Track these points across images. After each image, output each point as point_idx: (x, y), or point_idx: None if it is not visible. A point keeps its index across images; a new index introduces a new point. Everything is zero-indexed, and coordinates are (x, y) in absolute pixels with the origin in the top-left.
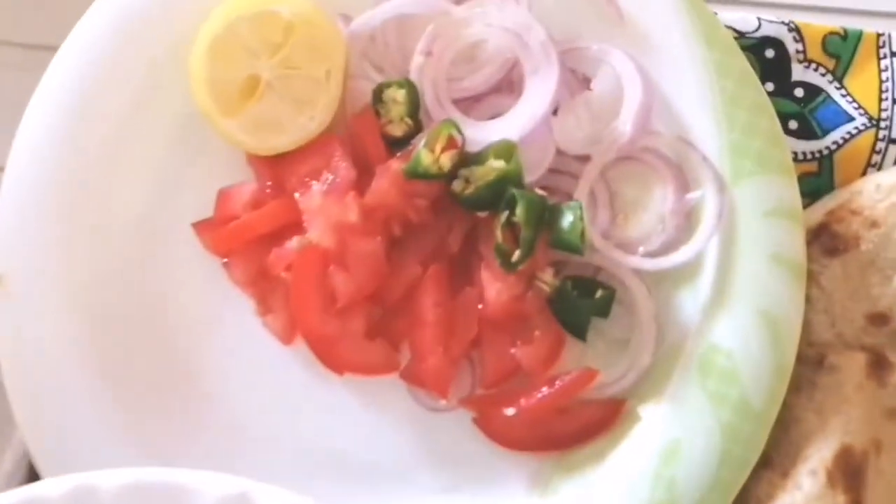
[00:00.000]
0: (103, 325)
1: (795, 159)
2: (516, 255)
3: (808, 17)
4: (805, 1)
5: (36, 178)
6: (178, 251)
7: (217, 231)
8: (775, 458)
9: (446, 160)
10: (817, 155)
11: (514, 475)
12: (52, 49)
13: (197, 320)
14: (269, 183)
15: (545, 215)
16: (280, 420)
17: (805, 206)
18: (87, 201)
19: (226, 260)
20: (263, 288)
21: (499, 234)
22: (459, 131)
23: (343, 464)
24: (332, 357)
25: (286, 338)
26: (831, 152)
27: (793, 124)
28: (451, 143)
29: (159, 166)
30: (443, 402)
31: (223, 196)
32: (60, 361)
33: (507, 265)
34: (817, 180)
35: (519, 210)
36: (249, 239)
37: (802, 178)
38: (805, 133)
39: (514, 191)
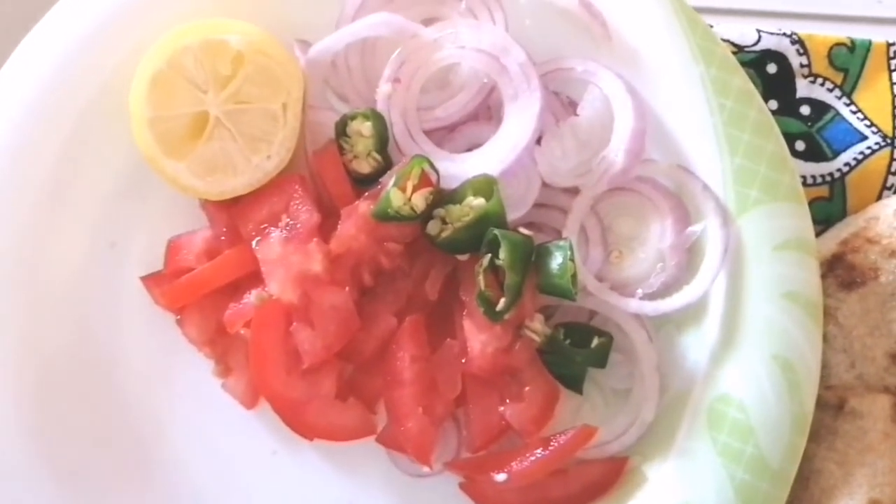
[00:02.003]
0: (45, 388)
1: (805, 184)
2: (501, 302)
3: (812, 27)
4: (809, 9)
5: None
6: (126, 307)
7: (168, 285)
8: None
9: (419, 200)
10: (828, 178)
11: None
12: None
13: (149, 383)
14: (225, 230)
15: (532, 257)
16: (245, 491)
17: (817, 234)
18: (22, 256)
19: (179, 316)
20: (222, 346)
21: (481, 281)
22: (433, 167)
23: None
24: (300, 422)
25: (249, 402)
26: (843, 175)
27: (800, 145)
28: (424, 181)
29: (104, 215)
30: (426, 469)
31: (173, 246)
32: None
33: (492, 314)
34: (829, 206)
35: (502, 253)
36: (204, 293)
37: (813, 204)
38: (814, 155)
39: (496, 231)
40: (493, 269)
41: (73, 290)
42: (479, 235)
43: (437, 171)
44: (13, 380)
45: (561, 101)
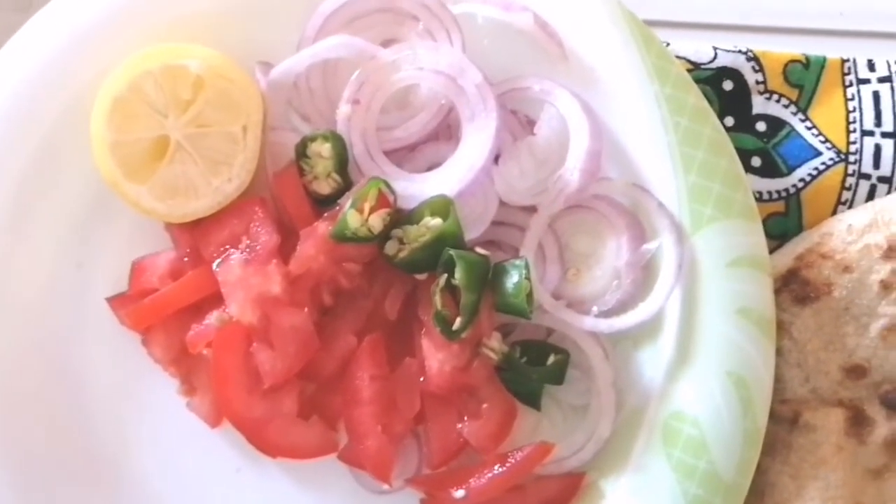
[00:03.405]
0: (11, 407)
1: (760, 199)
2: (458, 322)
3: (774, 40)
4: (770, 22)
5: None
6: (93, 328)
7: (133, 306)
8: None
9: (376, 221)
10: (784, 194)
11: None
12: None
13: (115, 402)
14: (188, 251)
15: (488, 276)
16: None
17: (773, 249)
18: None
19: (144, 336)
20: (186, 366)
21: (437, 300)
22: (390, 188)
23: None
24: (262, 440)
25: (213, 420)
26: (798, 190)
27: (756, 161)
28: (381, 202)
29: (69, 237)
30: (385, 486)
31: (138, 268)
32: None
33: (449, 333)
34: (785, 221)
35: (458, 273)
36: (168, 313)
37: (769, 219)
38: (770, 170)
39: (452, 252)
40: (450, 288)
41: (39, 310)
42: (436, 255)
43: (394, 192)
44: None
45: (519, 120)
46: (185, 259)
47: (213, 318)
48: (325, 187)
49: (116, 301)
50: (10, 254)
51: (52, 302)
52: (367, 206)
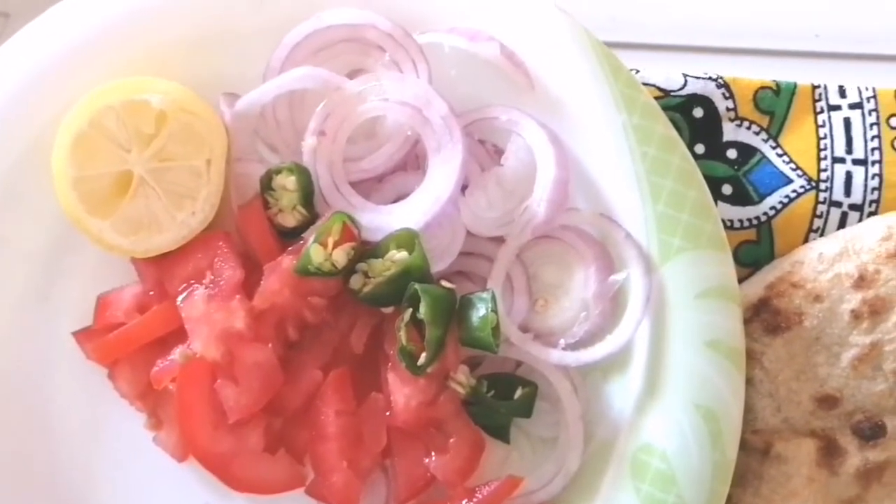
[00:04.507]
0: None
1: (731, 227)
2: (423, 357)
3: (750, 62)
4: (747, 45)
5: None
6: (59, 362)
7: (99, 340)
8: None
9: (340, 255)
10: (755, 222)
11: None
12: None
13: (82, 436)
14: (154, 285)
15: (453, 310)
16: None
17: (744, 278)
18: None
19: (110, 370)
20: (152, 400)
21: (402, 335)
22: (354, 222)
23: None
24: (229, 475)
25: (180, 455)
26: (770, 218)
27: (727, 189)
28: (345, 236)
29: (35, 271)
30: None
31: (103, 303)
32: None
33: (414, 368)
34: (756, 249)
35: (423, 307)
36: (134, 348)
37: (740, 247)
38: (741, 198)
39: (417, 286)
40: (415, 322)
41: (5, 344)
42: (401, 289)
43: (358, 226)
44: None
45: (486, 150)
46: (151, 293)
47: (177, 353)
48: (290, 220)
49: (82, 335)
50: None
51: (19, 336)
52: (330, 241)
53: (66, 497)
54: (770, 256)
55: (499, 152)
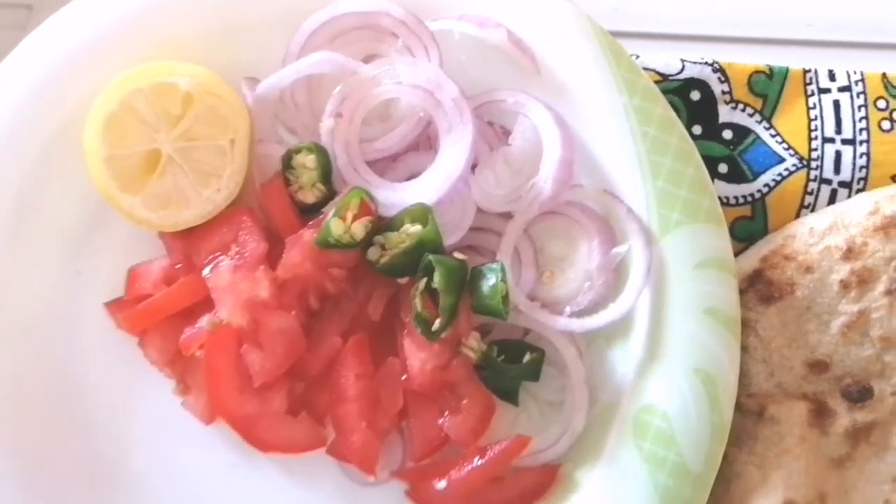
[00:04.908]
0: (14, 406)
1: (727, 204)
2: (437, 323)
3: (732, 50)
4: (729, 33)
5: None
6: (92, 331)
7: (129, 310)
8: None
9: (359, 228)
10: (749, 199)
11: None
12: None
13: (114, 402)
14: (181, 258)
15: (466, 279)
16: (202, 499)
17: (739, 252)
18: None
19: (140, 339)
20: (181, 367)
21: (417, 303)
22: (371, 197)
23: None
24: (254, 437)
25: (207, 418)
26: (763, 195)
27: (723, 168)
28: (362, 210)
29: (68, 246)
30: (371, 478)
31: (133, 275)
32: None
33: (429, 334)
34: (751, 224)
35: (437, 277)
36: (162, 317)
37: (735, 223)
38: (736, 176)
39: (431, 257)
40: (430, 291)
41: (42, 317)
42: (416, 260)
43: (375, 201)
44: None
45: (495, 131)
46: (178, 266)
47: (204, 321)
48: (309, 196)
49: (114, 306)
50: (13, 264)
51: (52, 309)
52: (349, 215)
53: (99, 460)
54: (764, 231)
55: (506, 133)
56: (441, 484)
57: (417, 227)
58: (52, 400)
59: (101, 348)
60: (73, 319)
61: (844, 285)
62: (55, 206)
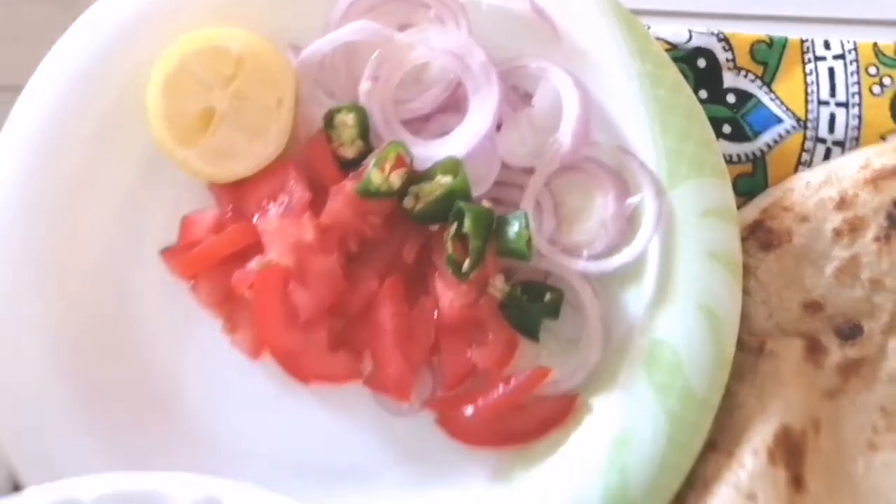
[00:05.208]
0: (79, 345)
1: (730, 161)
2: (467, 264)
3: (735, 25)
4: (733, 10)
5: (12, 211)
6: (147, 277)
7: (182, 256)
8: (720, 441)
9: (396, 178)
10: (751, 157)
11: (476, 469)
12: (17, 89)
13: (168, 341)
14: (230, 208)
15: (493, 226)
16: (251, 431)
17: (741, 205)
18: (60, 235)
19: (192, 283)
20: (229, 308)
21: (449, 246)
22: (407, 151)
23: (314, 468)
24: (298, 369)
25: (254, 353)
26: (763, 154)
27: (726, 128)
28: (399, 163)
29: (126, 198)
30: (406, 406)
31: (186, 223)
32: (38, 378)
33: (459, 274)
34: (752, 180)
35: (467, 222)
36: (213, 262)
37: (738, 179)
38: (738, 136)
39: (462, 204)
40: (460, 236)
41: (99, 266)
42: (447, 208)
43: (410, 155)
44: (52, 333)
45: (518, 94)
46: (227, 215)
47: (254, 263)
48: (349, 152)
49: (167, 253)
50: (82, 214)
51: (111, 258)
52: (387, 166)
53: (153, 392)
54: (764, 186)
55: (528, 96)
56: (469, 410)
57: (448, 178)
58: (114, 339)
59: (157, 291)
60: (133, 265)
61: (837, 233)
62: (119, 161)
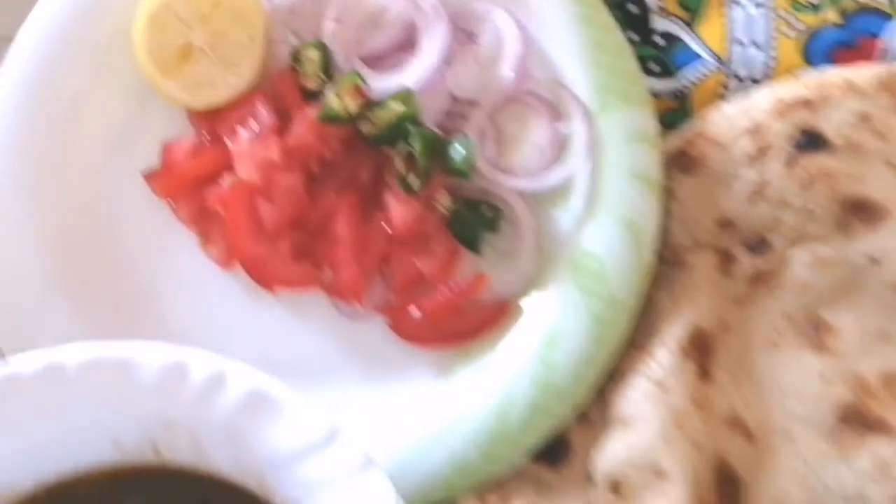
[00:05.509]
0: (69, 253)
1: (657, 96)
2: (415, 182)
3: None
4: None
5: (10, 138)
6: (132, 196)
7: (163, 178)
8: (638, 339)
9: (353, 105)
10: (677, 94)
11: (421, 367)
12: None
13: (150, 253)
14: (207, 134)
15: (439, 148)
16: (220, 332)
17: (667, 135)
18: (57, 158)
19: (172, 202)
20: (204, 223)
21: (400, 165)
22: (363, 81)
23: (277, 366)
24: (263, 276)
25: (225, 263)
26: (687, 90)
27: (654, 67)
28: (356, 92)
29: (114, 126)
30: (360, 309)
31: (167, 148)
32: (25, 264)
33: (408, 191)
34: (676, 114)
35: (416, 144)
36: (190, 183)
37: (664, 113)
38: (665, 74)
39: (412, 128)
40: (409, 157)
41: (88, 187)
42: (399, 133)
43: (367, 84)
44: (44, 239)
45: (465, 34)
46: (204, 141)
47: (226, 180)
48: (313, 84)
49: (150, 175)
50: (75, 139)
51: (98, 181)
52: (345, 94)
53: (134, 301)
54: (687, 119)
55: (475, 36)
56: (415, 313)
57: (401, 106)
58: (102, 251)
59: (141, 210)
60: (116, 189)
61: (748, 158)
62: (106, 92)
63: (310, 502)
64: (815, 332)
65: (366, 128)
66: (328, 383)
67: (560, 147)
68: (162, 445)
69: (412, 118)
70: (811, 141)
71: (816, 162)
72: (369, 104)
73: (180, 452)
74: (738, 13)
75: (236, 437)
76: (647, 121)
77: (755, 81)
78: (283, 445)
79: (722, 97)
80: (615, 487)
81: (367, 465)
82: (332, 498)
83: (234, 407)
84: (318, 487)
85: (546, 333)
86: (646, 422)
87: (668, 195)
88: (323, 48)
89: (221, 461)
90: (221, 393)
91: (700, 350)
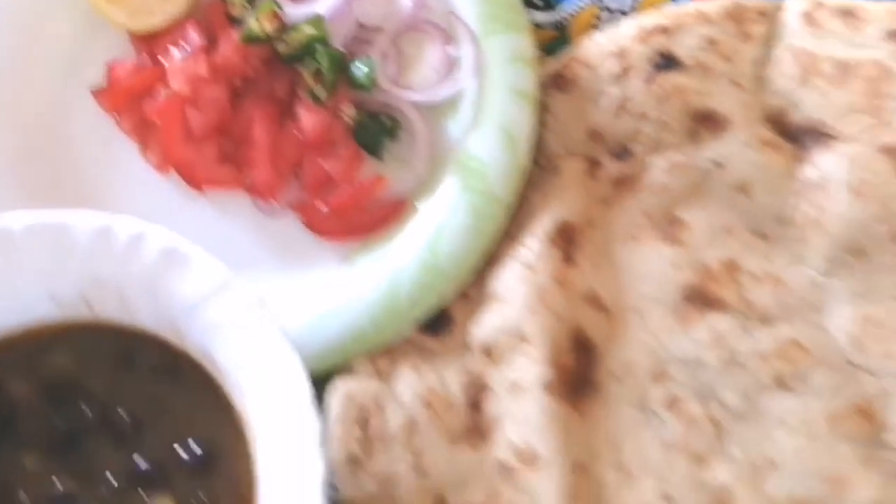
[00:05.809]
0: (25, 157)
1: (541, 27)
2: (323, 95)
3: None
4: None
5: None
6: (83, 111)
7: (108, 94)
8: (514, 231)
9: (270, 28)
10: (557, 25)
11: (328, 256)
12: None
13: (98, 162)
14: (146, 55)
15: (344, 65)
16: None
17: (548, 60)
18: (15, 79)
19: (117, 115)
20: (144, 133)
21: (309, 80)
22: (279, 6)
23: None
24: (193, 177)
25: (162, 168)
26: (566, 21)
27: (538, 1)
28: (273, 16)
29: (68, 50)
30: (276, 206)
31: (112, 68)
32: None
33: (317, 102)
34: (557, 42)
35: (324, 61)
36: (132, 97)
37: (547, 42)
38: (547, 7)
39: (320, 48)
40: (318, 72)
41: (41, 104)
42: (310, 52)
43: (282, 10)
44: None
45: None
46: (144, 60)
47: (161, 94)
48: (238, 12)
49: (97, 92)
50: (26, 63)
51: (50, 99)
52: (264, 18)
53: (84, 205)
54: (566, 47)
55: None
56: (323, 208)
57: (312, 30)
58: (52, 158)
59: (90, 123)
60: (67, 105)
61: (614, 77)
62: (55, 20)
63: (214, 343)
64: (670, 227)
65: (281, 48)
66: (249, 270)
67: (451, 66)
68: (94, 301)
69: (321, 40)
70: (667, 62)
71: (671, 80)
72: (285, 27)
73: (109, 307)
74: None
75: (155, 290)
76: (525, 44)
77: (624, 14)
78: (189, 294)
79: (595, 27)
80: (488, 352)
81: (257, 306)
82: (231, 336)
83: (152, 262)
84: (220, 329)
85: (435, 225)
86: (515, 297)
87: (544, 110)
88: None
89: (144, 315)
90: (142, 249)
91: (566, 240)
